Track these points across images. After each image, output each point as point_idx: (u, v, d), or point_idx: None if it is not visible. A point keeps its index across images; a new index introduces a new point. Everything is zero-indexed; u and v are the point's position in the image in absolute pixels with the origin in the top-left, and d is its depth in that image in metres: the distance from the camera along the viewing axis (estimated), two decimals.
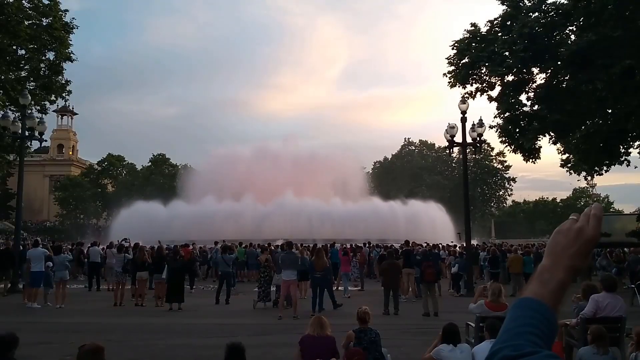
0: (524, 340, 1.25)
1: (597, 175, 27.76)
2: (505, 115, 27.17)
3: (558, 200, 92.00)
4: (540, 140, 27.03)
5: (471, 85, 27.15)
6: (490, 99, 27.45)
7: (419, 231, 37.97)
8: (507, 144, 27.83)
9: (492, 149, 79.01)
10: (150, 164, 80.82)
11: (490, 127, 26.67)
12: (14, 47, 28.65)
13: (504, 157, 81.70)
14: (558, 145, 27.51)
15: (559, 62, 24.77)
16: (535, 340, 1.26)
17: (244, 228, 39.51)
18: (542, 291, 1.35)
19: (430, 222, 44.80)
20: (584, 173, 28.03)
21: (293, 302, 15.93)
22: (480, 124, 23.36)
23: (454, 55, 27.08)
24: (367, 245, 30.99)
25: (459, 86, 27.20)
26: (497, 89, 27.18)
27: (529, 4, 25.54)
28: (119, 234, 33.92)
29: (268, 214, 43.54)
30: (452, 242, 31.62)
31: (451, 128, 22.93)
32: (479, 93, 27.20)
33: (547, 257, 1.40)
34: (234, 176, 52.70)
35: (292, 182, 49.58)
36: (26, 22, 27.96)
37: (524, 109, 27.13)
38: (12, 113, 26.09)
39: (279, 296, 16.91)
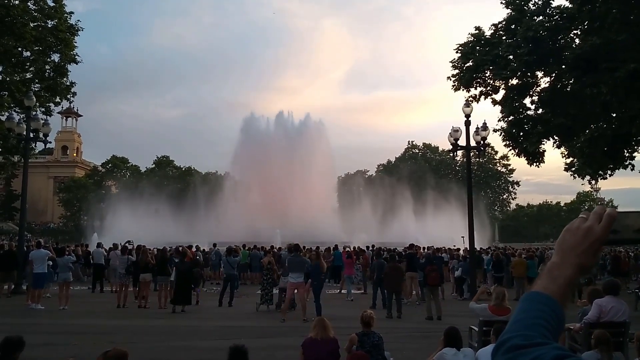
0: (535, 331, 1.29)
1: (601, 179, 27.68)
2: (509, 118, 27.17)
3: (562, 204, 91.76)
4: (544, 144, 27.02)
5: (475, 88, 27.16)
6: (495, 102, 27.45)
7: None
8: (511, 147, 27.82)
9: (496, 152, 78.97)
10: (154, 165, 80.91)
11: (494, 130, 26.67)
12: (20, 49, 28.79)
13: (507, 161, 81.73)
14: (562, 149, 27.45)
15: (563, 66, 24.75)
16: (544, 332, 1.29)
17: None
18: (551, 286, 1.39)
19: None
20: (588, 177, 27.94)
21: (302, 306, 15.85)
22: (484, 127, 23.32)
23: (458, 59, 27.09)
24: (370, 248, 30.94)
25: (463, 89, 27.21)
26: (501, 92, 27.19)
27: (534, 7, 25.52)
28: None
29: None
30: (454, 245, 31.52)
31: (455, 131, 22.88)
32: (483, 96, 27.20)
33: (556, 254, 1.44)
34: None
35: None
36: (31, 24, 28.12)
37: (528, 112, 27.13)
38: (17, 115, 26.20)
39: (283, 299, 16.88)
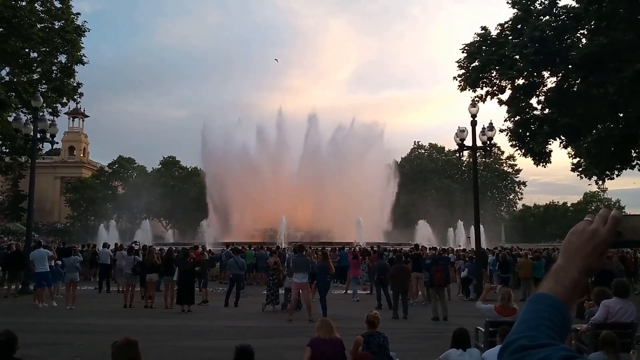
0: (540, 332, 1.30)
1: (608, 179, 27.53)
2: (516, 118, 27.10)
3: (569, 205, 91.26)
4: (550, 144, 26.93)
5: (481, 88, 27.10)
6: (501, 102, 27.37)
7: None
8: (517, 147, 27.74)
9: (503, 152, 78.70)
10: (160, 166, 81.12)
11: (501, 130, 26.57)
12: (27, 50, 28.90)
13: (514, 161, 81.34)
14: (569, 149, 27.35)
15: (569, 66, 24.67)
16: (550, 333, 1.30)
17: None
18: (557, 288, 1.40)
19: None
20: (595, 177, 27.82)
21: (307, 306, 15.84)
22: (491, 127, 23.22)
23: (464, 59, 27.03)
24: (374, 248, 30.89)
25: (469, 89, 27.14)
26: (508, 92, 27.11)
27: (540, 7, 25.45)
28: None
29: None
30: (460, 245, 31.44)
31: (461, 131, 22.78)
32: (489, 96, 27.14)
33: (562, 257, 1.45)
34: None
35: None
36: (38, 25, 28.20)
37: (535, 112, 27.05)
38: (24, 115, 26.29)
39: (288, 299, 16.89)
